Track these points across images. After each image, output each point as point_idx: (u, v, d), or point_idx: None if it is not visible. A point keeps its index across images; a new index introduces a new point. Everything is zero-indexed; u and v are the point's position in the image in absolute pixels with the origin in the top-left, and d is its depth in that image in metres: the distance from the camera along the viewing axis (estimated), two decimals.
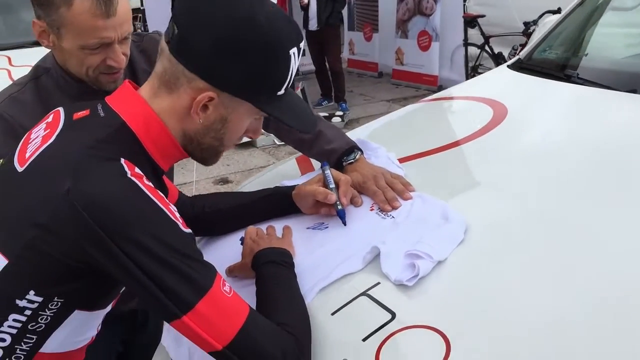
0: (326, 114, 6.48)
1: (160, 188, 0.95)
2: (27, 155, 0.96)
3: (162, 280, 0.87)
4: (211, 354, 0.90)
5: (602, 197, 1.14)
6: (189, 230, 0.93)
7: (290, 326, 0.94)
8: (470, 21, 6.86)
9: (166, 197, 0.95)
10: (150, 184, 0.91)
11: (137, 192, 0.88)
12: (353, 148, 1.36)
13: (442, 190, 1.27)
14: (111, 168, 0.89)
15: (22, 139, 1.02)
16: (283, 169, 1.67)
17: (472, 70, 7.08)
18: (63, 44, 1.25)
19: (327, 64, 6.94)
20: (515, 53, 6.39)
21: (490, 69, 6.30)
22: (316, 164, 1.54)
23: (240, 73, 0.91)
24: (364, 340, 0.93)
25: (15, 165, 0.96)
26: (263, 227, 1.26)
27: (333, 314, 1.01)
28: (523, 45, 6.37)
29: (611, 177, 1.21)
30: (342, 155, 1.35)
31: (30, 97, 1.31)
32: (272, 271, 1.07)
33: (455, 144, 1.51)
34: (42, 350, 0.98)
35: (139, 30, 4.69)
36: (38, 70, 1.36)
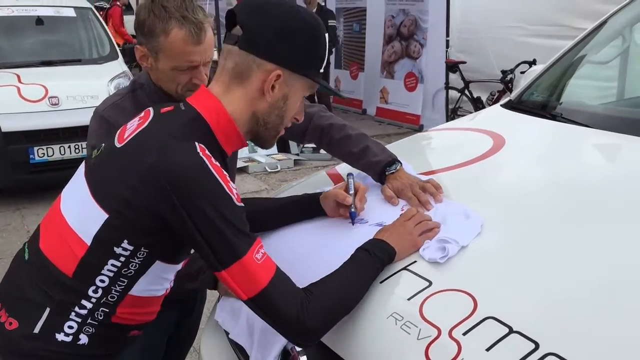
0: (314, 146, 6.76)
1: (225, 168, 1.22)
2: (126, 136, 1.24)
3: (211, 240, 1.14)
4: (242, 301, 1.18)
5: (579, 210, 1.44)
6: (241, 205, 1.19)
7: (315, 293, 1.18)
8: (452, 66, 7.34)
9: (229, 175, 1.21)
10: (217, 163, 1.18)
11: (204, 167, 1.15)
12: (394, 160, 1.64)
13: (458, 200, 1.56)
14: (187, 147, 1.17)
15: (119, 131, 1.29)
16: (316, 181, 1.95)
17: (452, 112, 7.52)
18: (159, 65, 1.55)
19: (315, 98, 7.29)
20: (494, 98, 6.85)
21: (469, 112, 6.74)
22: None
23: (297, 52, 1.23)
24: (408, 299, 1.22)
25: (115, 144, 1.24)
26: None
27: (381, 282, 1.29)
28: (500, 91, 6.84)
29: (586, 196, 1.51)
30: (385, 166, 1.63)
31: (128, 104, 1.61)
32: (359, 256, 1.29)
33: (460, 165, 1.81)
34: (130, 292, 1.25)
35: None
36: (135, 85, 1.66)
